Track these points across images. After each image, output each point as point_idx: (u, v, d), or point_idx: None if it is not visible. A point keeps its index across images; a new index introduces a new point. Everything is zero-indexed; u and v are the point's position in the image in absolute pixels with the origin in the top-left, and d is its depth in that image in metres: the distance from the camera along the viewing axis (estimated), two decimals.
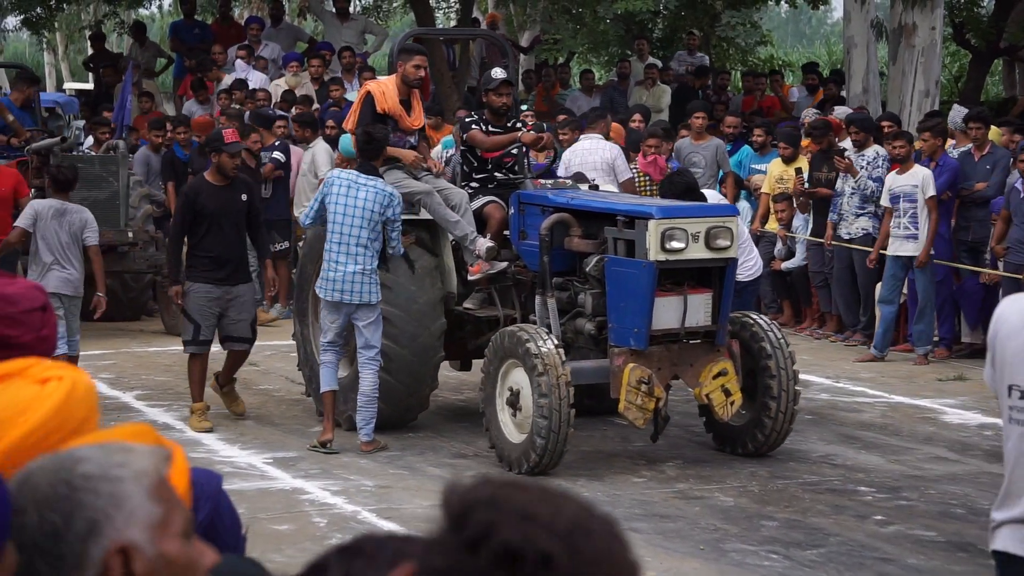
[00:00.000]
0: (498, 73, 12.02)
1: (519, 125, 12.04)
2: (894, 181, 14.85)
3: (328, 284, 10.80)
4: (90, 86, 29.02)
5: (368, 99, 11.56)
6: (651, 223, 10.13)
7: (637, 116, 17.81)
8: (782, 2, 29.74)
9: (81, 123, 17.10)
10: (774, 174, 16.52)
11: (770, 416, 10.66)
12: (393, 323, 11.22)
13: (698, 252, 10.24)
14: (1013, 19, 24.17)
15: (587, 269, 10.70)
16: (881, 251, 15.09)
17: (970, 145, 15.55)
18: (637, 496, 9.88)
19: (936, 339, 15.14)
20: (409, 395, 11.51)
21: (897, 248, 14.81)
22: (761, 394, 10.69)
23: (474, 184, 11.90)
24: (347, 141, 17.19)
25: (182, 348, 11.88)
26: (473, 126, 11.82)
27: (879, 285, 15.32)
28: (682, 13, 26.37)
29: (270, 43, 22.25)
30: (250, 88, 19.96)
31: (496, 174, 11.92)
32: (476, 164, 11.96)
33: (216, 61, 21.61)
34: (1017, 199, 14.35)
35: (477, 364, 11.99)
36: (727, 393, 10.37)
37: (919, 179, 14.65)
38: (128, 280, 16.75)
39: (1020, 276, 14.12)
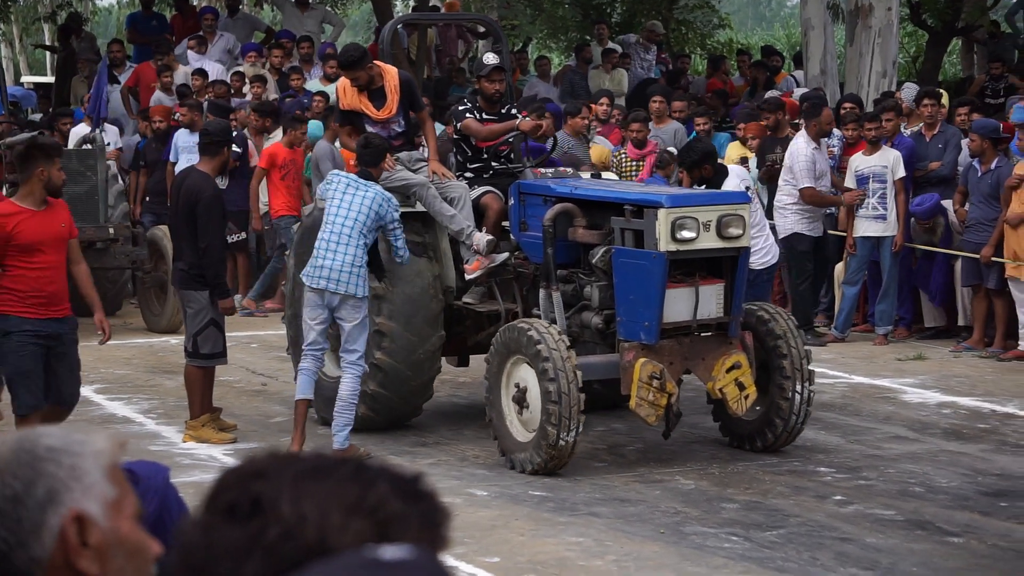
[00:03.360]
0: (490, 59, 11.64)
1: (513, 112, 11.77)
2: (861, 162, 14.87)
3: (315, 271, 10.39)
4: (49, 79, 28.89)
5: (337, 99, 11.45)
6: (661, 212, 9.75)
7: (604, 100, 17.94)
8: None
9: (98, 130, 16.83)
10: (732, 157, 16.54)
11: (784, 409, 10.32)
12: (390, 338, 10.91)
13: (710, 241, 9.86)
14: None
15: (593, 261, 10.33)
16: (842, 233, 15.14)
17: (921, 125, 15.62)
18: (597, 480, 9.89)
19: (896, 319, 15.21)
20: (404, 407, 11.22)
21: (865, 229, 14.84)
22: (775, 387, 10.33)
23: (469, 174, 11.54)
24: (315, 126, 17.23)
25: (202, 360, 11.07)
26: (467, 115, 11.44)
27: (839, 266, 15.37)
28: None
29: (225, 33, 22.14)
30: (209, 79, 19.86)
31: (492, 163, 11.58)
32: (471, 154, 11.58)
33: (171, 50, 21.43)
34: (975, 178, 14.42)
35: (474, 359, 11.87)
36: (741, 387, 9.99)
37: (889, 160, 14.69)
38: (106, 276, 16.57)
39: (979, 255, 14.19)
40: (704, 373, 10.07)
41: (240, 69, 20.45)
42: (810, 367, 10.45)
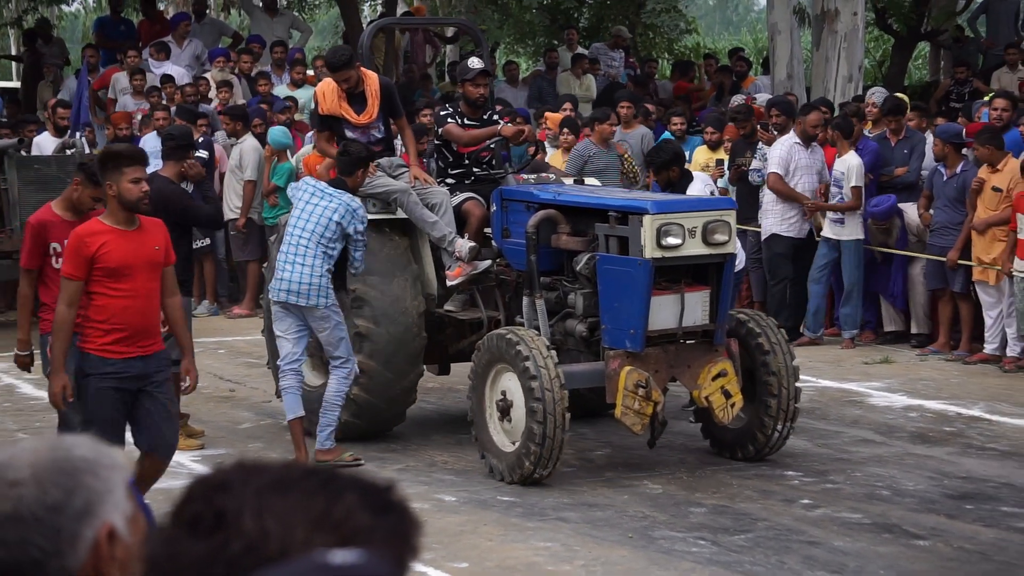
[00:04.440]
0: (474, 63, 11.41)
1: (495, 118, 11.64)
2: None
3: (277, 284, 10.35)
4: (15, 84, 28.77)
5: (316, 104, 11.33)
6: (646, 219, 9.64)
7: (567, 105, 17.92)
8: None
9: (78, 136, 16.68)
10: (699, 161, 16.58)
11: (767, 425, 10.24)
12: (371, 340, 10.78)
13: (696, 248, 9.76)
14: (935, 3, 24.34)
15: (577, 268, 10.23)
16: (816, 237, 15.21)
17: (886, 129, 15.69)
18: (566, 485, 9.90)
19: (862, 323, 15.26)
20: (387, 411, 11.07)
21: (827, 230, 14.95)
22: (760, 393, 10.24)
23: (450, 180, 11.40)
24: (276, 133, 17.19)
25: (173, 367, 11.09)
26: (449, 120, 11.33)
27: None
28: (607, 2, 26.40)
29: (193, 39, 22.09)
30: (177, 84, 19.82)
31: (474, 169, 11.45)
32: (452, 159, 11.46)
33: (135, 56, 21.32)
34: (939, 182, 14.48)
35: (455, 368, 11.81)
36: (727, 395, 9.87)
37: (846, 167, 14.75)
38: None
39: (944, 259, 14.26)
40: (690, 381, 9.97)
41: (206, 75, 20.40)
42: (797, 384, 10.35)
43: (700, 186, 12.33)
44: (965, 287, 14.27)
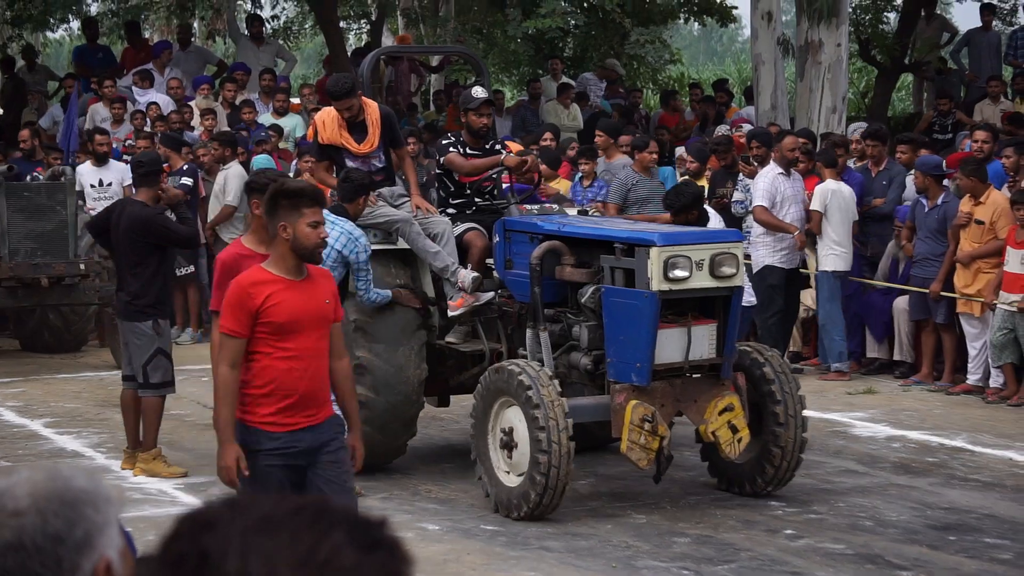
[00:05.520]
0: (479, 92, 11.32)
1: (498, 147, 11.51)
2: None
3: None
4: None
5: (315, 134, 11.21)
6: (653, 251, 9.50)
7: (548, 135, 17.90)
8: (692, 20, 29.94)
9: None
10: None
11: (775, 456, 10.11)
12: (371, 372, 10.65)
13: (703, 281, 9.63)
14: (919, 35, 24.46)
15: (582, 300, 10.09)
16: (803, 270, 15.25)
17: (868, 160, 15.75)
18: (549, 515, 9.88)
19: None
20: (386, 444, 10.91)
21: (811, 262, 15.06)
22: (767, 425, 10.12)
23: (451, 210, 11.29)
24: (261, 160, 17.20)
25: (152, 391, 10.97)
26: (451, 149, 11.19)
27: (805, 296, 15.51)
28: (592, 32, 26.48)
29: (174, 67, 22.10)
30: (162, 111, 19.83)
31: (476, 199, 11.34)
32: (453, 189, 11.35)
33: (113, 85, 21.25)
34: (922, 213, 14.53)
35: (455, 400, 11.75)
36: (734, 430, 9.75)
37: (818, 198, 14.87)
38: (71, 312, 16.40)
39: (927, 290, 14.30)
40: (696, 415, 9.84)
41: (191, 103, 20.42)
42: (804, 413, 10.29)
43: (715, 223, 12.14)
44: (948, 318, 14.31)
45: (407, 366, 10.78)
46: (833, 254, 14.78)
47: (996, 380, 13.85)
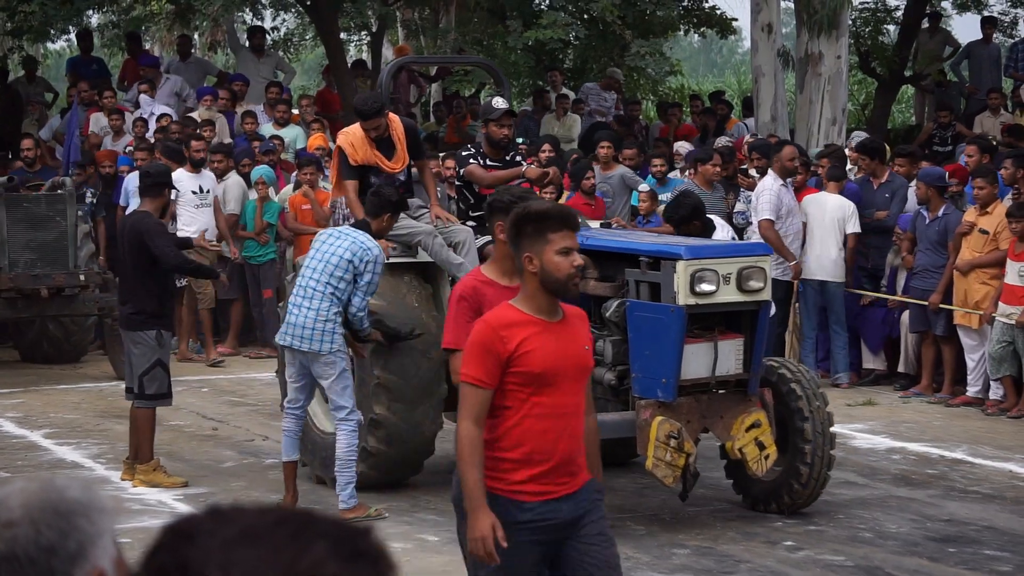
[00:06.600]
0: (499, 103, 11.14)
1: (518, 159, 11.37)
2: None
3: (284, 328, 10.13)
4: None
5: (342, 155, 10.92)
6: (679, 264, 9.35)
7: (547, 146, 17.89)
8: (692, 32, 29.96)
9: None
10: None
11: (803, 474, 9.95)
12: (386, 427, 10.53)
13: (730, 295, 9.48)
14: (921, 48, 24.48)
15: (606, 315, 9.87)
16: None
17: (866, 172, 15.77)
18: None
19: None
20: (404, 464, 10.84)
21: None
22: (795, 441, 9.96)
23: (471, 223, 11.03)
24: (264, 171, 17.21)
25: (146, 401, 10.97)
26: (471, 160, 11.03)
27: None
28: (592, 43, 26.48)
29: (172, 76, 22.09)
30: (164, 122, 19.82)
31: None
32: (473, 201, 11.12)
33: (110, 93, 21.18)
34: (922, 225, 14.54)
35: None
36: (761, 447, 9.60)
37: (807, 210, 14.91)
38: (71, 323, 16.38)
39: (926, 302, 14.30)
40: (723, 432, 9.67)
41: (192, 114, 20.42)
42: (832, 428, 10.16)
43: (723, 233, 11.94)
44: (947, 330, 14.31)
45: (423, 423, 10.69)
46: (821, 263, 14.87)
47: (996, 392, 13.85)
